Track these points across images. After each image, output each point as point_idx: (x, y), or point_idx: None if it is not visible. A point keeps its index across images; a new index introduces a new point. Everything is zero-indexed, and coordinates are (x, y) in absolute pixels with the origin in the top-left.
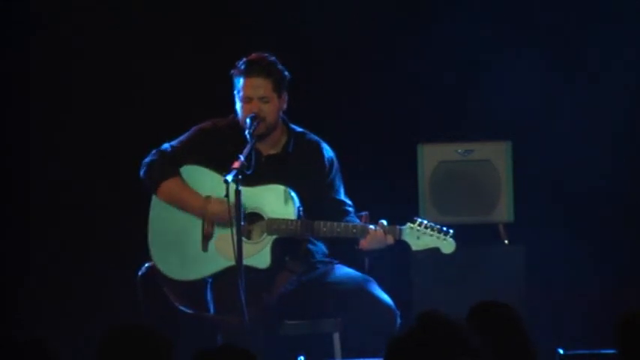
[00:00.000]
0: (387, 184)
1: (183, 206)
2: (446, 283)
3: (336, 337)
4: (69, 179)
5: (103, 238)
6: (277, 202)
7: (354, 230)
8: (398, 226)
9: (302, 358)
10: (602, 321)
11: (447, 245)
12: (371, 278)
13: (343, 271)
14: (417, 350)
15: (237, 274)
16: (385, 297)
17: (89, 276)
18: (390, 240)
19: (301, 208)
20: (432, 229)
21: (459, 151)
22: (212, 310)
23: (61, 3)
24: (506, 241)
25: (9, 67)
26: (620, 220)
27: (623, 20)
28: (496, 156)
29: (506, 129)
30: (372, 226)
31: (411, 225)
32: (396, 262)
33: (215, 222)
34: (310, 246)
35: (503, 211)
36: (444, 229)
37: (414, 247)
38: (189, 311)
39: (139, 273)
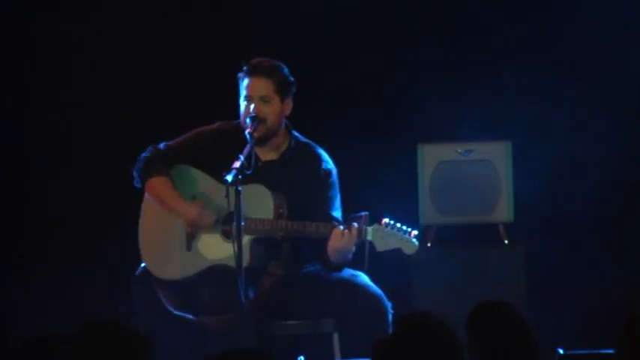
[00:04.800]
0: (387, 184)
1: (165, 206)
2: (446, 283)
3: (336, 337)
4: (67, 179)
5: (102, 238)
6: (256, 201)
7: (325, 230)
8: (364, 226)
9: (302, 358)
10: (602, 321)
11: (409, 246)
12: (361, 272)
13: None
14: (400, 353)
15: (222, 273)
16: (374, 287)
17: (87, 275)
18: (352, 239)
19: (281, 209)
20: (398, 230)
21: (459, 151)
22: (201, 311)
23: (64, 6)
24: (506, 241)
25: (9, 68)
26: (620, 220)
27: (622, 20)
28: (496, 156)
29: (506, 129)
30: (341, 227)
31: (377, 225)
32: (396, 262)
33: (192, 227)
34: (297, 249)
35: (504, 211)
36: (409, 229)
37: (378, 248)
38: (179, 314)
39: (135, 273)
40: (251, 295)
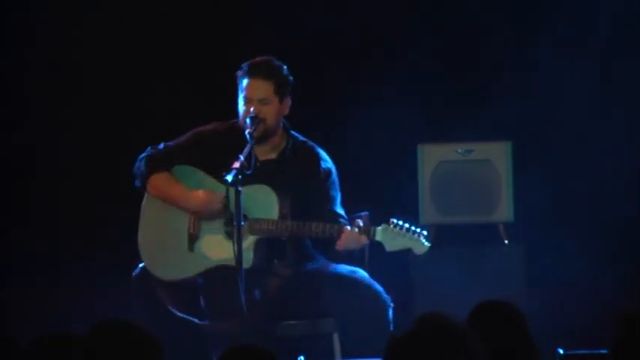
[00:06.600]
0: (387, 184)
1: (170, 200)
2: (446, 283)
3: (336, 337)
4: (68, 179)
5: (101, 238)
6: (261, 202)
7: (331, 230)
8: (372, 227)
9: (302, 358)
10: (602, 321)
11: (420, 246)
12: (360, 269)
13: (331, 264)
14: (418, 352)
15: (225, 275)
16: (374, 283)
17: (86, 276)
18: (363, 240)
19: (285, 209)
20: (407, 230)
21: (459, 151)
22: (205, 315)
23: (62, 6)
24: (506, 241)
25: (10, 69)
26: (619, 220)
27: (622, 19)
28: (496, 156)
29: (506, 129)
30: (348, 227)
31: (386, 225)
32: (396, 262)
33: (200, 217)
34: (300, 247)
35: (504, 211)
36: (418, 230)
37: (387, 248)
38: (183, 315)
39: (133, 273)
40: (257, 295)
